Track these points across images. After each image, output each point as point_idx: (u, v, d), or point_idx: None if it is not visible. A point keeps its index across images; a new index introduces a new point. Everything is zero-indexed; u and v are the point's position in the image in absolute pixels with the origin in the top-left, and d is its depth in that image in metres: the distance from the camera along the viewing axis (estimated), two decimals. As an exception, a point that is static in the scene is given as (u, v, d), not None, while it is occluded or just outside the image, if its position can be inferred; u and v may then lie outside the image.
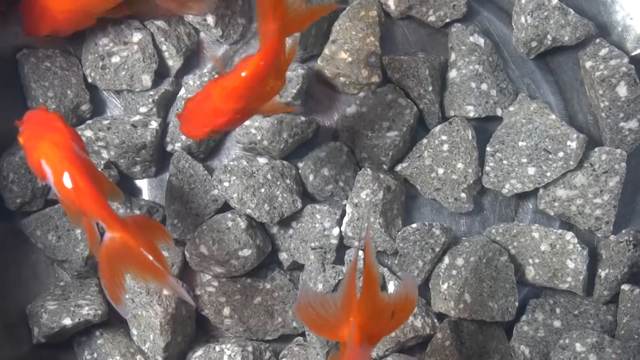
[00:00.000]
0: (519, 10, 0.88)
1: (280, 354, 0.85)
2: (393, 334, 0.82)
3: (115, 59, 0.86)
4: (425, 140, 0.87)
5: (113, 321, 0.84)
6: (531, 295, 0.87)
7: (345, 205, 0.85)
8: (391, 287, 0.84)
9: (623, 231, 0.85)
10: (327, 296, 0.65)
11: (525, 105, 0.87)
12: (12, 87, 0.86)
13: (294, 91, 0.85)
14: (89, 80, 0.87)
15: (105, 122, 0.84)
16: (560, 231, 0.85)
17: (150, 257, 0.67)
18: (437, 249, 0.84)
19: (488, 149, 0.87)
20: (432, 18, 0.89)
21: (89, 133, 0.83)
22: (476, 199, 0.88)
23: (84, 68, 0.87)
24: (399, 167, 0.87)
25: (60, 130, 0.69)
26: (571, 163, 0.84)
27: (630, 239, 0.84)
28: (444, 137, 0.86)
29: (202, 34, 0.90)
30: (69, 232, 0.84)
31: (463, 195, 0.86)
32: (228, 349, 0.82)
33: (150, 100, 0.86)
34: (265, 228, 0.86)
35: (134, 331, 0.83)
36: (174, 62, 0.88)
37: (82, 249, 0.84)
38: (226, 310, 0.85)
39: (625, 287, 0.84)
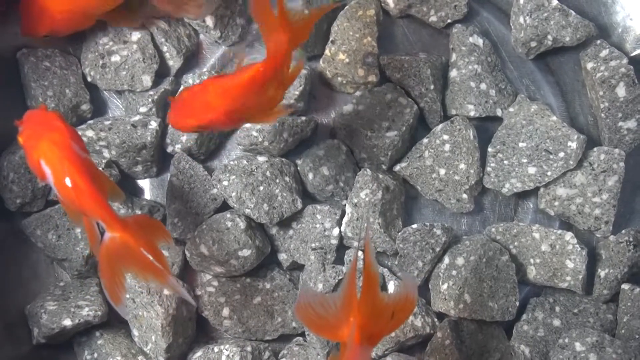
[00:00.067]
0: (517, 11, 0.88)
1: (280, 354, 0.85)
2: (393, 334, 0.82)
3: (115, 58, 0.86)
4: (425, 140, 0.87)
5: (113, 322, 0.84)
6: (532, 295, 0.87)
7: (345, 205, 0.85)
8: (391, 287, 0.84)
9: (623, 231, 0.85)
10: (327, 296, 0.65)
11: (525, 106, 0.87)
12: (12, 87, 0.86)
13: (297, 93, 0.85)
14: (89, 79, 0.87)
15: (107, 122, 0.84)
16: (559, 232, 0.85)
17: (151, 257, 0.67)
18: (438, 249, 0.84)
19: (490, 149, 0.87)
20: (433, 18, 0.89)
21: (90, 133, 0.83)
22: (476, 198, 0.88)
23: (83, 67, 0.87)
24: (397, 167, 0.87)
25: (59, 129, 0.69)
26: (571, 162, 0.84)
27: (630, 239, 0.84)
28: (445, 137, 0.86)
29: (201, 35, 0.90)
30: (69, 231, 0.84)
31: (465, 196, 0.86)
32: (226, 350, 0.82)
33: (150, 100, 0.86)
34: (264, 229, 0.86)
35: (135, 332, 0.83)
36: (174, 63, 0.88)
37: (82, 247, 0.84)
38: (225, 311, 0.85)
39: (625, 286, 0.84)
